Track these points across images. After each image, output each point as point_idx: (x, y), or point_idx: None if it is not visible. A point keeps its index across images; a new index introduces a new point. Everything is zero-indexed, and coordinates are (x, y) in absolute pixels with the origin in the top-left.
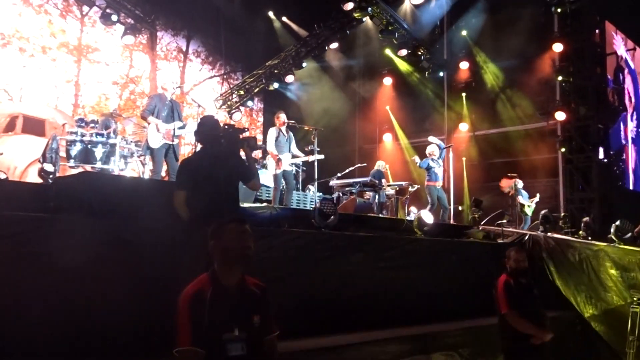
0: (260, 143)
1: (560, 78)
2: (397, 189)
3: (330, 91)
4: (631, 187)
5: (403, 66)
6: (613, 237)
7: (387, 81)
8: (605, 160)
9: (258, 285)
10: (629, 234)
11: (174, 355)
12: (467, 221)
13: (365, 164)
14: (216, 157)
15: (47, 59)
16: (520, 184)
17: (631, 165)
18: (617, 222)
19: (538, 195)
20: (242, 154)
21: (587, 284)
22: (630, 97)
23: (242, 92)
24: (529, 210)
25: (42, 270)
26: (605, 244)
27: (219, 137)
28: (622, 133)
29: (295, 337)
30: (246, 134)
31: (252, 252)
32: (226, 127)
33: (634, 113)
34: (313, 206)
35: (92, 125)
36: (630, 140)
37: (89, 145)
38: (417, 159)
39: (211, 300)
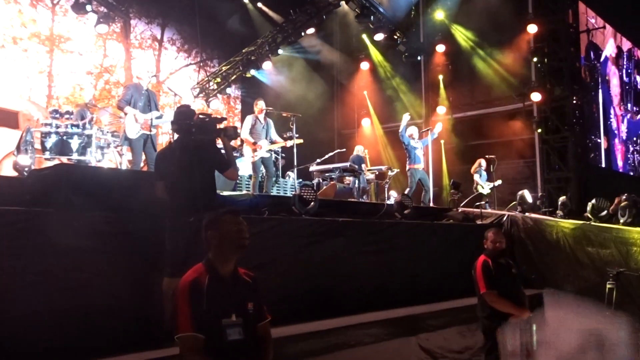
0: (240, 131)
1: (535, 59)
2: (377, 173)
3: (308, 77)
4: (603, 165)
5: (377, 52)
6: (589, 215)
7: (365, 66)
8: (581, 140)
9: (248, 275)
10: (605, 212)
11: (174, 342)
12: (446, 203)
13: (344, 149)
14: (191, 147)
15: (18, 50)
16: (483, 164)
17: (603, 143)
18: (593, 201)
19: (499, 181)
20: (221, 143)
21: (564, 262)
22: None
23: (219, 80)
24: (482, 190)
25: (19, 264)
26: (582, 222)
27: (192, 127)
28: (595, 111)
29: (279, 323)
30: (224, 123)
31: (249, 242)
32: (201, 116)
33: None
34: (293, 193)
35: (67, 116)
36: (602, 118)
37: (65, 137)
38: (407, 116)
39: (208, 288)
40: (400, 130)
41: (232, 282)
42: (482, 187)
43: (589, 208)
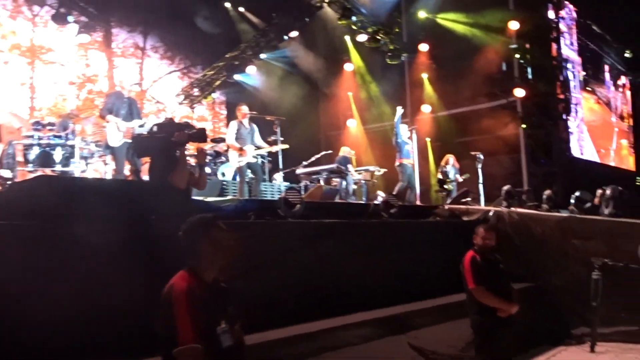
0: (222, 136)
1: (517, 56)
2: (364, 173)
3: (292, 80)
4: (578, 155)
5: (360, 54)
6: (574, 207)
7: (349, 67)
8: (565, 134)
9: (223, 280)
10: (589, 204)
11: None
12: (434, 199)
13: (330, 151)
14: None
15: None
16: (451, 159)
17: (577, 134)
18: (577, 193)
19: (467, 175)
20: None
21: (551, 255)
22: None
23: (203, 86)
24: (449, 185)
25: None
26: (567, 214)
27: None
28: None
29: (267, 327)
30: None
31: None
32: (155, 127)
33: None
34: (278, 196)
35: (50, 127)
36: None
37: (47, 148)
38: (400, 109)
39: (201, 296)
40: (395, 121)
41: (216, 289)
42: (450, 181)
43: (573, 200)
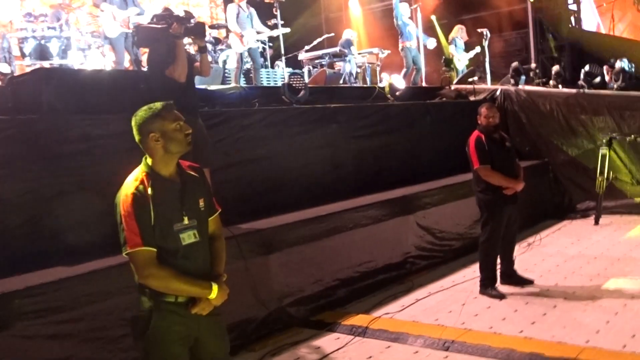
0: (219, 22)
1: None
2: (368, 56)
3: None
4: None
5: None
6: (583, 82)
7: None
8: (575, 5)
9: (193, 168)
10: (598, 78)
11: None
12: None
13: (332, 34)
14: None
15: None
16: (462, 32)
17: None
18: (586, 68)
19: (478, 49)
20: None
21: (558, 131)
22: None
23: None
24: (458, 64)
25: (6, 173)
26: (575, 90)
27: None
28: None
29: (276, 212)
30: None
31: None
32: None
33: None
34: (282, 82)
35: (42, 19)
36: None
37: (43, 41)
38: None
39: (154, 196)
40: (393, 3)
41: (179, 182)
42: (459, 60)
43: (582, 75)
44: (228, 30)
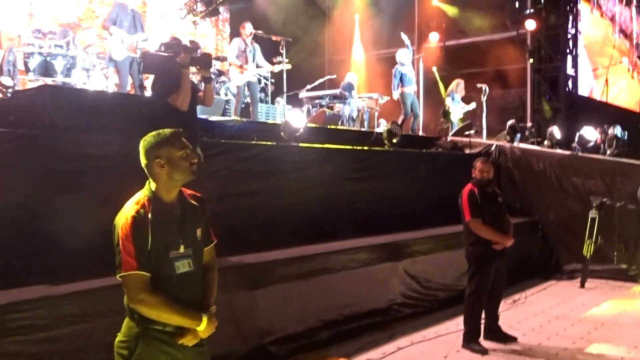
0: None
1: None
2: (367, 100)
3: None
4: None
5: None
6: (577, 145)
7: None
8: (573, 70)
9: (195, 197)
10: (592, 143)
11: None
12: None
13: (334, 76)
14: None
15: None
16: (461, 85)
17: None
18: (581, 131)
19: (473, 105)
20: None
21: (550, 191)
22: None
23: (207, 1)
24: (453, 117)
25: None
26: (569, 152)
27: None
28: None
29: (266, 248)
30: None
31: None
32: (162, 46)
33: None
34: (282, 119)
35: (50, 36)
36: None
37: (48, 58)
38: (405, 39)
39: (153, 221)
40: (393, 75)
41: (179, 209)
42: (453, 113)
43: (576, 139)
44: (229, 63)
